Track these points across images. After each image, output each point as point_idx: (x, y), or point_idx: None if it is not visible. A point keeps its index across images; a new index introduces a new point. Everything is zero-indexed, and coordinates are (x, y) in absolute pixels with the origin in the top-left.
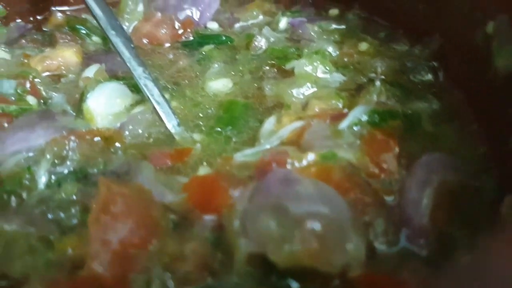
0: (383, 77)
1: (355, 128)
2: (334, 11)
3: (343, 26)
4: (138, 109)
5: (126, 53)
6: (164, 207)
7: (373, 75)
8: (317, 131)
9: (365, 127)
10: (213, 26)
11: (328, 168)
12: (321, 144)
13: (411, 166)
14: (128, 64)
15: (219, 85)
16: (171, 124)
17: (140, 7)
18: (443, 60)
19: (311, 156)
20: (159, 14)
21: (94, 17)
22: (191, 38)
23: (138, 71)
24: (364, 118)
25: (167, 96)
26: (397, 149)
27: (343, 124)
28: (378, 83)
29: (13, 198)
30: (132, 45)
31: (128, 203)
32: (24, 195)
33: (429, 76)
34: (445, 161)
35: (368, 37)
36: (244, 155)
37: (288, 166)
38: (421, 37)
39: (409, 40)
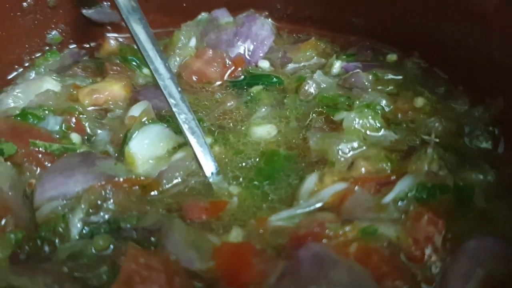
0: (437, 140)
1: (400, 203)
2: (392, 57)
3: (400, 77)
4: (179, 154)
5: (172, 99)
6: (190, 274)
7: (427, 137)
8: (360, 201)
9: (411, 202)
10: (265, 65)
11: (367, 250)
12: (363, 215)
13: (456, 251)
14: (174, 109)
15: (263, 131)
16: (209, 171)
17: (193, 42)
18: (505, 127)
19: (350, 233)
20: (210, 52)
21: (146, 64)
22: (242, 76)
23: (182, 116)
24: (412, 193)
25: (210, 140)
26: (443, 232)
27: (388, 198)
28: (430, 150)
29: (46, 246)
30: (179, 89)
31: (152, 276)
32: (57, 242)
33: (488, 144)
34: (495, 247)
35: (426, 91)
36: (279, 218)
37: (324, 240)
38: (483, 97)
39: (469, 99)
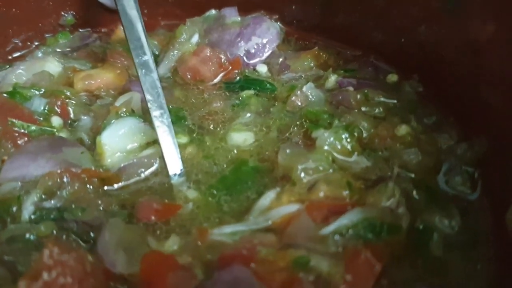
0: (412, 174)
1: (337, 237)
2: (393, 77)
3: (392, 100)
4: (147, 151)
5: (149, 95)
6: (114, 276)
7: (399, 170)
8: (302, 228)
9: (352, 239)
10: (262, 69)
11: (293, 281)
12: (302, 243)
13: None
14: (149, 104)
15: (240, 138)
16: (173, 172)
17: (195, 38)
18: (485, 171)
19: (282, 260)
20: (208, 51)
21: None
22: (237, 78)
23: (156, 113)
24: (355, 228)
25: (186, 139)
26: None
27: (327, 230)
28: (391, 183)
29: None
30: (159, 86)
31: (64, 274)
32: (9, 222)
33: (464, 187)
34: None
35: (414, 119)
36: (221, 233)
37: (253, 264)
38: (470, 134)
39: (457, 133)
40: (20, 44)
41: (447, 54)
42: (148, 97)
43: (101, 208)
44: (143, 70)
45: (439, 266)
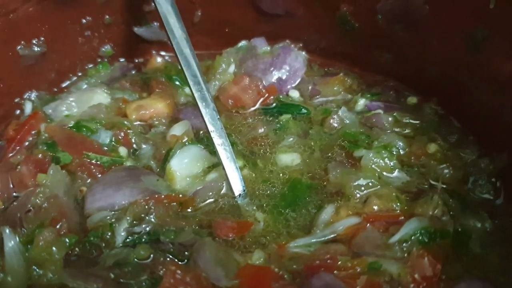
0: (444, 186)
1: (404, 244)
2: (412, 99)
3: (417, 121)
4: (212, 175)
5: (211, 126)
6: None
7: (435, 182)
8: (370, 238)
9: (414, 244)
10: (295, 94)
11: (372, 283)
12: (371, 251)
13: None
14: (212, 135)
15: (288, 159)
16: (238, 192)
17: (232, 68)
18: (507, 181)
19: (359, 266)
20: (247, 79)
21: (191, 91)
22: (273, 104)
23: (219, 141)
24: (415, 236)
25: (241, 163)
26: (439, 273)
27: (394, 238)
28: (436, 196)
29: (93, 250)
30: (218, 117)
31: None
32: (103, 247)
33: (489, 194)
34: None
35: (439, 137)
36: (297, 246)
37: (335, 271)
38: (490, 150)
39: (478, 149)
40: (64, 76)
41: (467, 82)
42: (210, 128)
43: (193, 227)
44: (204, 104)
45: (480, 262)
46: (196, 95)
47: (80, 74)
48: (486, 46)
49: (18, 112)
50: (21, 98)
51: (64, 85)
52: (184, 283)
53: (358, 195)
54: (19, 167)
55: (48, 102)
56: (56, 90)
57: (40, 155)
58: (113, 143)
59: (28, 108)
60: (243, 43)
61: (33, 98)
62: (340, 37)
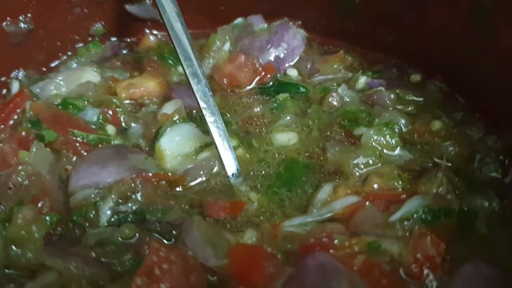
0: (449, 164)
1: (406, 223)
2: (416, 77)
3: (421, 98)
4: (205, 154)
5: (203, 103)
6: (205, 269)
7: (439, 160)
8: (369, 217)
9: (416, 223)
10: (293, 73)
11: (370, 264)
12: (370, 230)
13: (453, 272)
14: (204, 112)
15: (285, 138)
16: (231, 171)
17: (227, 46)
18: None
19: (356, 245)
20: (243, 57)
21: (182, 66)
22: (270, 83)
23: (211, 119)
24: (418, 214)
25: (235, 142)
26: (443, 253)
27: (395, 217)
28: (440, 174)
29: (76, 229)
30: (210, 93)
31: (171, 269)
32: (87, 227)
33: (497, 173)
34: (488, 273)
35: (444, 115)
36: (291, 225)
37: (331, 251)
38: (497, 127)
39: (484, 127)
40: (53, 55)
41: (473, 58)
42: (202, 104)
43: (183, 207)
44: (195, 80)
45: (487, 243)
46: (187, 70)
47: (70, 53)
48: (492, 18)
49: (4, 91)
50: (8, 77)
51: (53, 64)
52: (168, 261)
53: (357, 174)
54: (1, 145)
55: (36, 82)
56: (45, 69)
57: (23, 133)
58: (100, 121)
59: (15, 87)
60: (239, 20)
61: (20, 77)
62: (340, 14)
